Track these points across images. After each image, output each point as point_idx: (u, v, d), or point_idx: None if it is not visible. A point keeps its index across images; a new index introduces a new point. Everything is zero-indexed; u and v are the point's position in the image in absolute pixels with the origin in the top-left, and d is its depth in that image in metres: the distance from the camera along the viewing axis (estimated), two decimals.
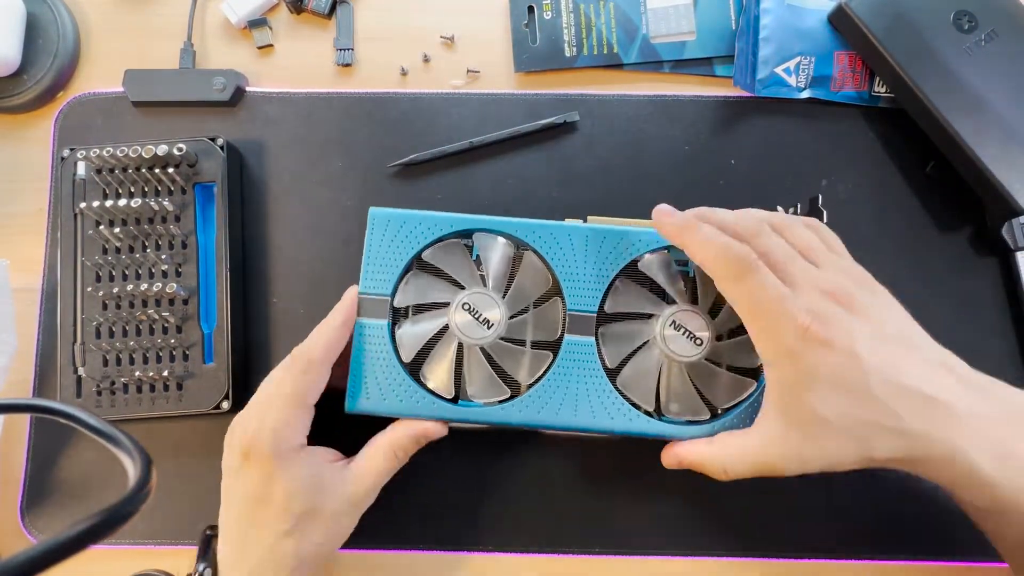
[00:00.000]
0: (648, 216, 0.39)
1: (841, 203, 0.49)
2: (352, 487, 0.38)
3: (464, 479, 0.46)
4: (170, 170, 0.46)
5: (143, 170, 0.46)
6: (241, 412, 0.39)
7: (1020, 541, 0.36)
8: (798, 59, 0.49)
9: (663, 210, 0.38)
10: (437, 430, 0.40)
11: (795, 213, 0.49)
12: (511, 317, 0.41)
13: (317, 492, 0.37)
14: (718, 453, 0.37)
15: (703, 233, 0.36)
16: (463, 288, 0.41)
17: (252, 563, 0.37)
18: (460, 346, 0.41)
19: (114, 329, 0.46)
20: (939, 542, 0.46)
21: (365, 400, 0.40)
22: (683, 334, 0.40)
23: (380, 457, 0.39)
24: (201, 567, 0.38)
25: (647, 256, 0.41)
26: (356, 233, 0.49)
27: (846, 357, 0.33)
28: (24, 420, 0.47)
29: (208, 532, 0.41)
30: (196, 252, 0.47)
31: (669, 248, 0.41)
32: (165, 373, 0.45)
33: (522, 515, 0.46)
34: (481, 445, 0.47)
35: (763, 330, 0.35)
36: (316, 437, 0.40)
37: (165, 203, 0.46)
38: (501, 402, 0.40)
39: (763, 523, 0.46)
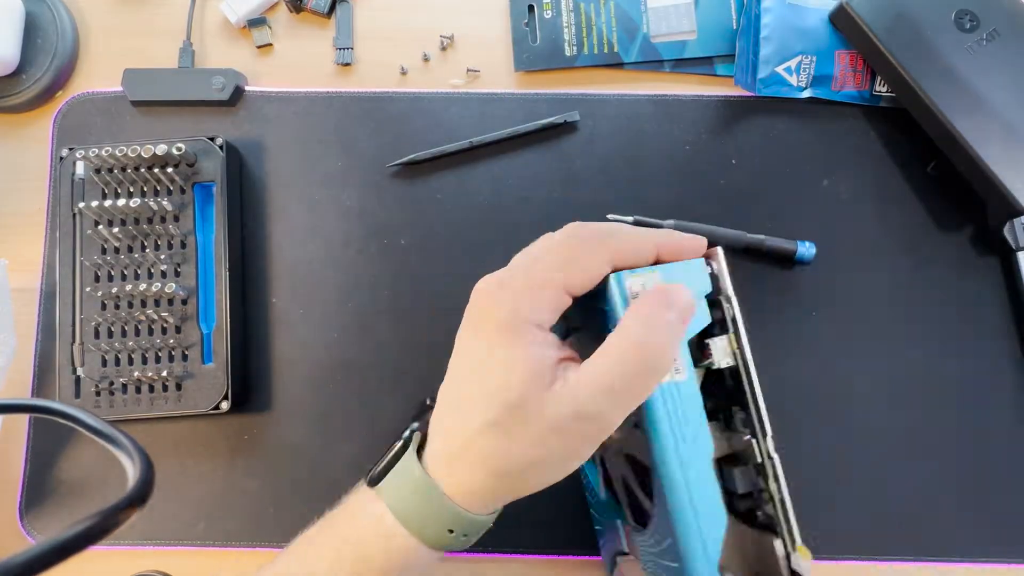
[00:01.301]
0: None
1: (842, 203, 0.49)
2: (579, 403, 0.27)
3: None
4: (169, 170, 0.46)
5: (142, 170, 0.46)
6: (493, 273, 0.31)
7: None
8: (799, 58, 0.49)
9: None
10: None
11: None
12: None
13: (538, 386, 0.28)
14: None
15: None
16: None
17: (454, 448, 0.30)
18: None
19: (113, 329, 0.46)
20: (937, 542, 0.46)
21: None
22: None
23: (629, 356, 0.28)
24: (415, 426, 0.32)
25: None
26: (355, 233, 0.49)
27: None
28: (23, 420, 0.47)
29: (428, 402, 0.33)
30: (195, 252, 0.46)
31: None
32: (164, 373, 0.45)
33: (521, 515, 0.46)
34: None
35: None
36: None
37: (164, 203, 0.46)
38: None
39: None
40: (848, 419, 0.47)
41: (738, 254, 0.48)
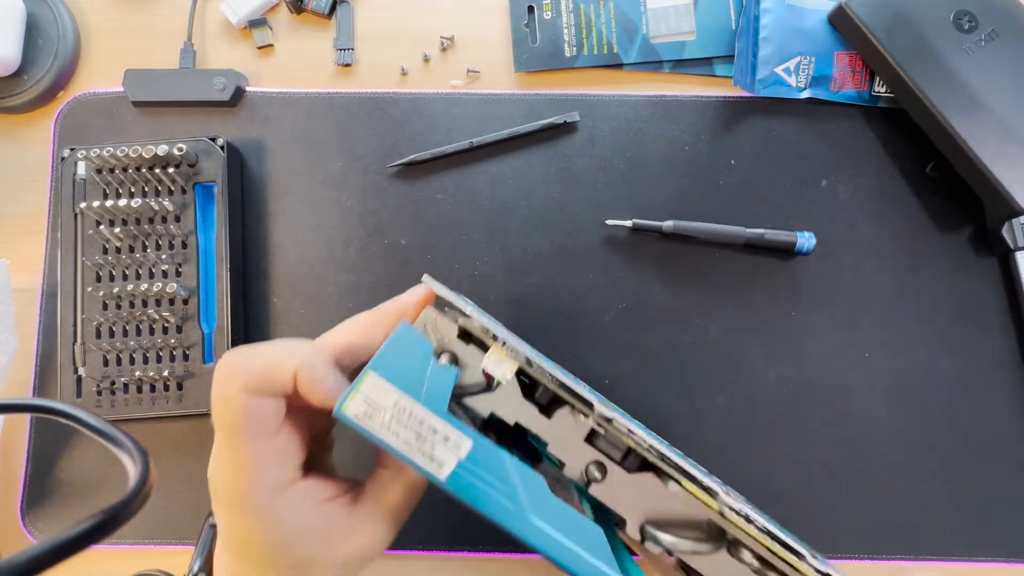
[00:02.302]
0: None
1: (841, 203, 0.49)
2: (363, 538, 0.30)
3: None
4: (170, 170, 0.46)
5: (143, 170, 0.46)
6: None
7: None
8: (798, 59, 0.49)
9: None
10: None
11: None
12: None
13: (311, 544, 0.29)
14: None
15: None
16: None
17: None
18: None
19: (114, 329, 0.46)
20: (937, 542, 0.46)
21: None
22: None
23: (397, 496, 0.31)
24: (196, 567, 0.33)
25: None
26: (356, 233, 0.49)
27: None
28: (24, 420, 0.47)
29: (211, 522, 0.34)
30: (196, 252, 0.47)
31: None
32: (165, 373, 0.45)
33: None
34: None
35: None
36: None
37: (165, 203, 0.46)
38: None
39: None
40: (847, 419, 0.47)
41: (738, 250, 0.48)
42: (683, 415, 0.47)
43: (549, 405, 0.31)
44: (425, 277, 0.31)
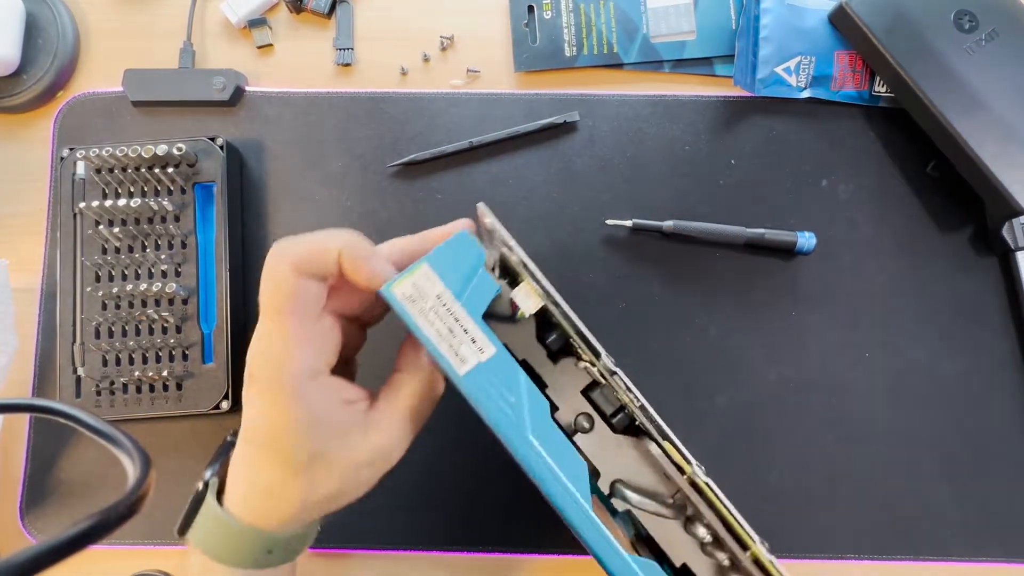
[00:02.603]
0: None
1: (841, 203, 0.49)
2: (376, 438, 0.31)
3: (461, 479, 0.46)
4: (170, 170, 0.46)
5: (143, 170, 0.46)
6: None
7: None
8: (798, 59, 0.49)
9: None
10: None
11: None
12: None
13: (330, 436, 0.30)
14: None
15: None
16: None
17: (256, 498, 0.31)
18: None
19: (113, 329, 0.46)
20: (937, 542, 0.46)
21: None
22: None
23: (407, 406, 0.32)
24: (208, 474, 0.33)
25: None
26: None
27: None
28: (24, 420, 0.47)
29: (229, 438, 0.34)
30: (196, 252, 0.46)
31: None
32: (165, 373, 0.45)
33: (520, 515, 0.46)
34: (477, 446, 0.47)
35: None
36: None
37: (165, 203, 0.46)
38: None
39: (763, 523, 0.46)
40: (847, 419, 0.47)
41: (738, 250, 0.48)
42: (683, 415, 0.47)
43: (558, 352, 0.33)
44: (480, 204, 0.32)
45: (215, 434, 0.47)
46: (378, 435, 0.31)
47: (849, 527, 0.46)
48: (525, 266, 0.30)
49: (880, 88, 0.49)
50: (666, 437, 0.31)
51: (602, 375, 0.32)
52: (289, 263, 0.29)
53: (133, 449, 0.27)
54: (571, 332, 0.32)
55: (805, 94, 0.50)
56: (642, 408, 0.31)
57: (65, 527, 0.21)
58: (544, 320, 0.33)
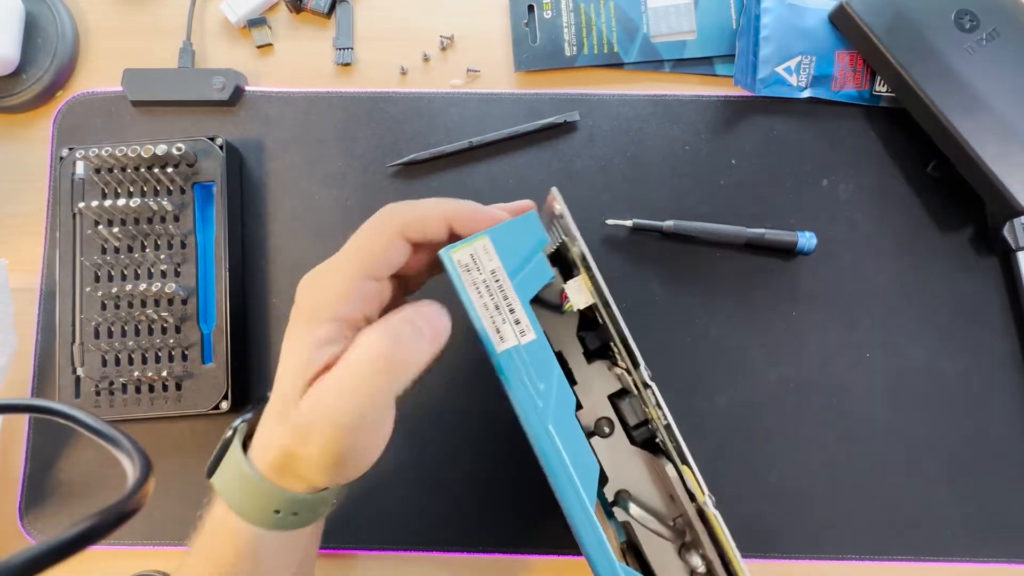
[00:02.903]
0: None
1: (842, 203, 0.49)
2: (314, 412, 0.29)
3: (463, 480, 0.46)
4: (169, 170, 0.46)
5: (142, 170, 0.46)
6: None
7: None
8: (799, 58, 0.49)
9: None
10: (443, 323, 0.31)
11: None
12: None
13: (296, 383, 0.30)
14: None
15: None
16: None
17: (263, 436, 0.31)
18: None
19: (113, 329, 0.46)
20: (937, 542, 0.46)
21: None
22: None
23: (362, 367, 0.29)
24: (247, 416, 0.33)
25: None
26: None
27: None
28: (23, 420, 0.47)
29: (269, 394, 0.33)
30: (195, 252, 0.46)
31: None
32: (164, 373, 0.45)
33: (521, 516, 0.46)
34: (479, 446, 0.47)
35: None
36: None
37: (164, 203, 0.46)
38: None
39: (764, 523, 0.46)
40: (847, 419, 0.47)
41: (739, 250, 0.48)
42: (683, 415, 0.47)
43: (594, 352, 0.33)
44: (554, 189, 0.31)
45: (215, 434, 0.47)
46: (313, 398, 0.29)
47: (849, 527, 0.46)
48: (585, 260, 0.30)
49: (881, 88, 0.49)
50: (685, 461, 0.31)
51: (636, 385, 0.32)
52: (397, 226, 0.30)
53: (133, 449, 0.27)
54: (615, 335, 0.31)
55: (805, 94, 0.50)
56: (667, 427, 0.31)
57: (65, 527, 0.21)
58: (588, 318, 0.33)
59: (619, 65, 0.51)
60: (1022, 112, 0.45)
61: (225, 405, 0.45)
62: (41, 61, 0.50)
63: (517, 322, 0.29)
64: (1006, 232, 0.46)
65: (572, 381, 0.33)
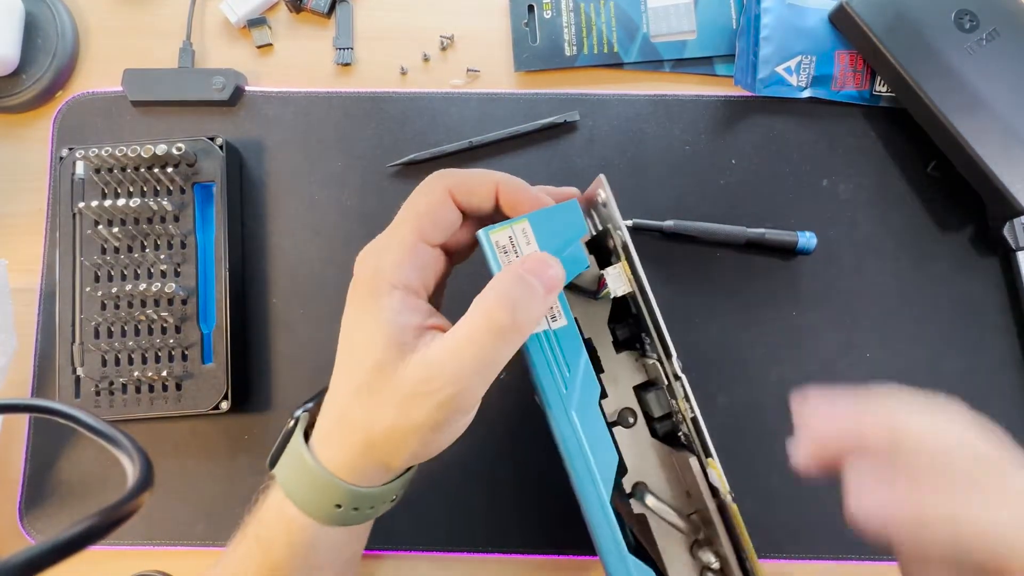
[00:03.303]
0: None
1: (842, 203, 0.49)
2: (433, 369, 0.27)
3: (465, 480, 0.46)
4: (169, 170, 0.46)
5: (142, 170, 0.46)
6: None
7: None
8: (799, 58, 0.49)
9: None
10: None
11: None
12: None
13: (395, 352, 0.28)
14: None
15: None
16: None
17: (330, 421, 0.30)
18: None
19: (113, 329, 0.46)
20: None
21: None
22: None
23: (483, 328, 0.27)
24: (308, 406, 0.33)
25: None
26: (356, 232, 0.49)
27: None
28: (23, 420, 0.47)
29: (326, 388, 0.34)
30: (195, 252, 0.46)
31: None
32: (164, 373, 0.45)
33: (523, 516, 0.46)
34: (481, 447, 0.46)
35: None
36: None
37: (164, 203, 0.46)
38: None
39: (764, 523, 0.46)
40: None
41: (739, 249, 0.48)
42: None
43: (623, 342, 0.33)
44: (602, 176, 0.32)
45: (214, 434, 0.47)
46: (431, 355, 0.28)
47: (849, 528, 0.46)
48: (627, 249, 0.30)
49: (881, 88, 0.49)
50: (710, 455, 0.31)
51: (667, 376, 0.32)
52: (447, 184, 0.30)
53: (133, 449, 0.27)
54: (650, 326, 0.31)
55: (806, 94, 0.49)
56: (694, 420, 0.31)
57: (64, 527, 0.21)
58: (621, 307, 0.33)
59: (619, 65, 0.51)
60: (1022, 112, 0.45)
61: (225, 405, 0.45)
62: (41, 61, 0.50)
63: (550, 308, 0.30)
64: (1006, 232, 0.46)
65: (599, 369, 0.33)
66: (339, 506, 0.30)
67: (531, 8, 0.52)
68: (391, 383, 0.28)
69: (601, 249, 0.33)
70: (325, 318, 0.48)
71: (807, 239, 0.47)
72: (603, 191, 0.31)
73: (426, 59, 0.52)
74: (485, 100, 0.51)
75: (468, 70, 0.51)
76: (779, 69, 0.49)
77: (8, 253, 0.49)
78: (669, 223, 0.47)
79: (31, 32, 0.50)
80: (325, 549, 0.32)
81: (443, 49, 0.52)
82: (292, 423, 0.32)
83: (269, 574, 0.32)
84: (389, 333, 0.28)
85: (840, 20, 0.49)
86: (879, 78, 0.49)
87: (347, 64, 0.52)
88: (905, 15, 0.47)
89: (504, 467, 0.46)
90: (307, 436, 0.31)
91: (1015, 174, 0.45)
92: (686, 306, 0.48)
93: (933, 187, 0.49)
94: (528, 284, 0.28)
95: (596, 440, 0.30)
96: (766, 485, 0.46)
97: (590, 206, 0.34)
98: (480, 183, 0.31)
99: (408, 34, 0.52)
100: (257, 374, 0.48)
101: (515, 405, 0.46)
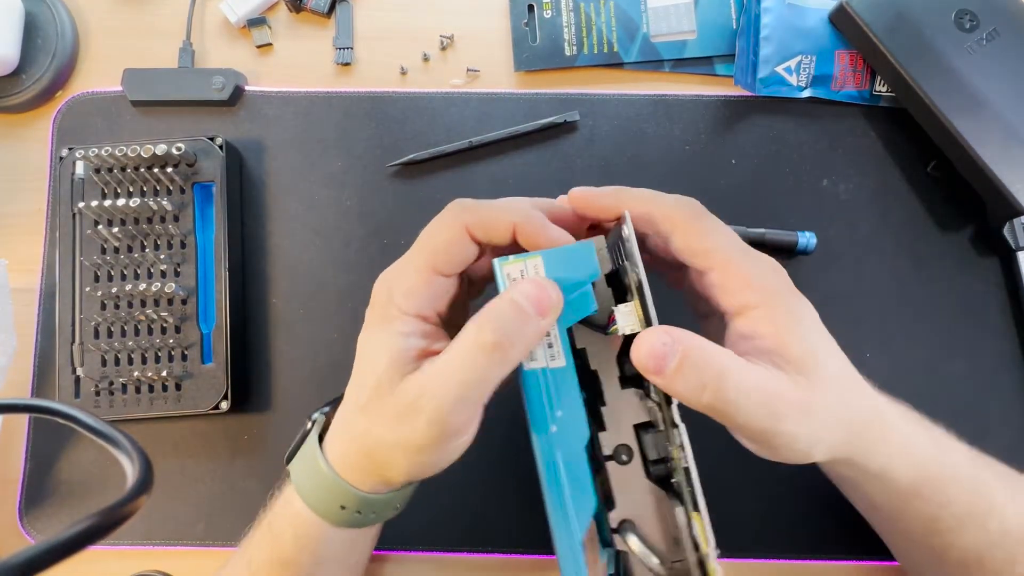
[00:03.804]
0: None
1: (842, 203, 0.49)
2: (419, 377, 0.29)
3: (465, 480, 0.46)
4: (169, 170, 0.46)
5: (142, 169, 0.46)
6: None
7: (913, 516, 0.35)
8: (799, 58, 0.49)
9: (585, 193, 0.33)
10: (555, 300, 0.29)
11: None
12: None
13: (395, 372, 0.29)
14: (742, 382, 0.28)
15: (638, 191, 0.33)
16: None
17: (338, 428, 0.32)
18: None
19: (112, 329, 0.46)
20: None
21: None
22: None
23: (469, 347, 0.28)
24: (325, 409, 0.35)
25: None
26: (355, 233, 0.49)
27: (812, 307, 0.32)
28: (23, 420, 0.47)
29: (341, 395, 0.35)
30: (195, 252, 0.46)
31: None
32: (164, 373, 0.45)
33: (522, 516, 0.46)
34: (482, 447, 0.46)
35: (742, 268, 0.31)
36: None
37: (164, 203, 0.46)
38: None
39: (763, 523, 0.46)
40: None
41: None
42: (683, 416, 0.47)
43: (629, 379, 0.33)
44: (627, 213, 0.31)
45: (214, 434, 0.47)
46: (421, 375, 0.29)
47: (850, 528, 0.46)
48: (640, 288, 0.30)
49: (881, 87, 0.49)
50: (697, 508, 0.30)
51: (664, 421, 0.31)
52: (464, 221, 0.30)
53: (132, 449, 0.27)
54: None
55: (806, 93, 0.49)
56: (686, 470, 0.30)
57: (64, 527, 0.21)
58: (631, 344, 0.33)
59: (619, 65, 0.51)
60: (1022, 112, 0.45)
61: (225, 405, 0.45)
62: (41, 61, 0.50)
63: (550, 345, 0.30)
64: (1006, 232, 0.46)
65: (601, 402, 0.33)
66: (344, 507, 0.32)
67: (531, 8, 0.52)
68: (386, 401, 0.29)
69: (619, 283, 0.33)
70: (325, 318, 0.48)
71: (807, 239, 0.47)
72: (626, 228, 0.31)
73: (426, 59, 0.52)
74: (485, 100, 0.51)
75: (468, 70, 0.51)
76: (779, 69, 0.49)
77: (8, 253, 0.49)
78: None
79: (31, 32, 0.50)
80: (330, 547, 0.34)
81: (443, 49, 0.52)
82: (310, 424, 0.34)
83: (278, 563, 0.34)
84: (392, 355, 0.30)
85: (840, 20, 0.49)
86: (879, 78, 0.49)
87: (347, 64, 0.52)
88: (905, 15, 0.47)
89: (505, 468, 0.46)
90: (321, 438, 0.33)
91: (1015, 174, 0.45)
92: (686, 306, 0.48)
93: (933, 187, 0.49)
94: (517, 305, 0.28)
95: (577, 485, 0.30)
96: (766, 484, 0.46)
97: (616, 240, 0.33)
98: (498, 221, 0.30)
99: (408, 34, 0.52)
100: (257, 374, 0.48)
101: (518, 408, 0.46)
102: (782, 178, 0.49)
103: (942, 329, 0.48)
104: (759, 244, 0.47)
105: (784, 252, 0.48)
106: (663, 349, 0.28)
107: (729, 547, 0.46)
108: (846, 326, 0.48)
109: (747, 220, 0.48)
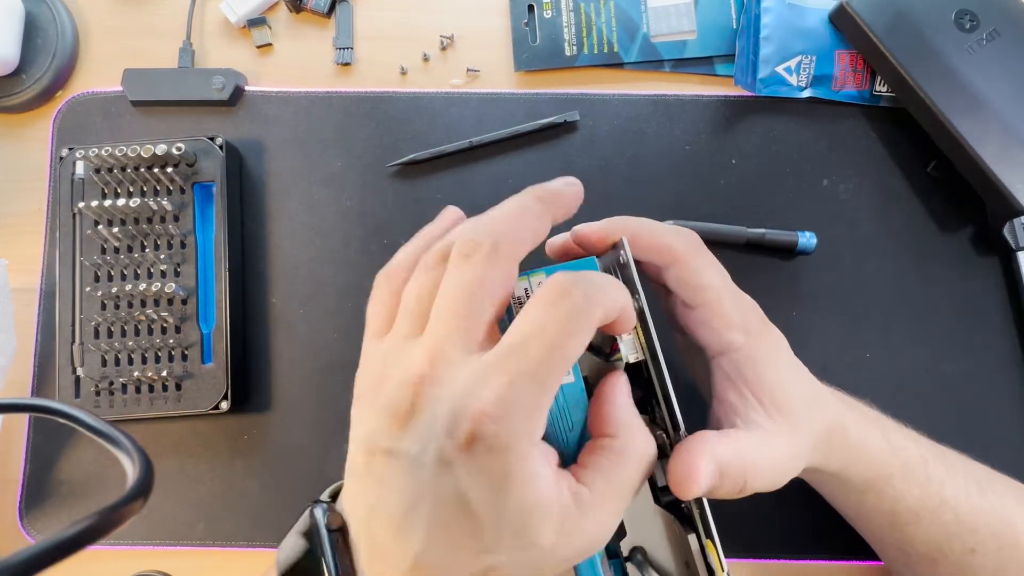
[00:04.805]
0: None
1: (842, 203, 0.49)
2: (591, 526, 0.24)
3: None
4: (169, 170, 0.46)
5: (142, 169, 0.46)
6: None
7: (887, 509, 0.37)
8: (799, 58, 0.49)
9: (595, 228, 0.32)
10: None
11: None
12: None
13: (542, 516, 0.23)
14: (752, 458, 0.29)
15: (638, 220, 0.33)
16: None
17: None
18: None
19: (113, 329, 0.46)
20: None
21: None
22: None
23: (621, 488, 0.25)
24: (319, 512, 0.26)
25: None
26: (355, 233, 0.49)
27: (783, 337, 0.34)
28: (23, 420, 0.47)
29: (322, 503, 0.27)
30: (195, 252, 0.46)
31: None
32: (164, 373, 0.45)
33: None
34: None
35: (728, 309, 0.32)
36: None
37: (164, 203, 0.46)
38: None
39: (763, 524, 0.46)
40: None
41: (739, 250, 0.48)
42: (683, 416, 0.47)
43: (636, 403, 0.32)
44: (624, 239, 0.31)
45: (214, 434, 0.47)
46: (594, 523, 0.24)
47: (848, 528, 0.46)
48: (643, 315, 0.30)
49: (881, 88, 0.49)
50: (710, 535, 0.30)
51: (671, 447, 0.31)
52: (600, 318, 0.24)
53: (132, 449, 0.27)
54: (659, 395, 0.31)
55: (806, 94, 0.49)
56: (698, 500, 0.30)
57: (64, 527, 0.21)
58: (635, 370, 0.32)
59: (619, 65, 0.51)
60: (1022, 112, 0.45)
61: (225, 405, 0.45)
62: (41, 61, 0.50)
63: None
64: (1006, 232, 0.46)
65: None
66: None
67: (531, 8, 0.52)
68: (535, 553, 0.24)
69: None
70: (325, 318, 0.48)
71: (807, 239, 0.47)
72: (624, 253, 0.31)
73: (426, 59, 0.52)
74: (485, 100, 0.51)
75: (468, 70, 0.51)
76: (779, 69, 0.49)
77: (8, 253, 0.49)
78: (669, 223, 0.47)
79: (31, 32, 0.50)
80: None
81: (443, 49, 0.52)
82: (327, 539, 0.25)
83: None
84: (538, 503, 0.24)
85: (840, 20, 0.49)
86: (879, 78, 0.49)
87: (347, 64, 0.52)
88: (905, 15, 0.47)
89: None
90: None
91: (1015, 174, 0.45)
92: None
93: (933, 187, 0.49)
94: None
95: None
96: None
97: (612, 264, 0.33)
98: (625, 310, 0.26)
99: (408, 34, 0.52)
100: (257, 374, 0.48)
101: None
102: (782, 178, 0.49)
103: (942, 329, 0.48)
104: (759, 244, 0.48)
105: (784, 252, 0.48)
106: (707, 473, 0.27)
107: (729, 547, 0.46)
108: (846, 326, 0.48)
109: (747, 220, 0.48)
